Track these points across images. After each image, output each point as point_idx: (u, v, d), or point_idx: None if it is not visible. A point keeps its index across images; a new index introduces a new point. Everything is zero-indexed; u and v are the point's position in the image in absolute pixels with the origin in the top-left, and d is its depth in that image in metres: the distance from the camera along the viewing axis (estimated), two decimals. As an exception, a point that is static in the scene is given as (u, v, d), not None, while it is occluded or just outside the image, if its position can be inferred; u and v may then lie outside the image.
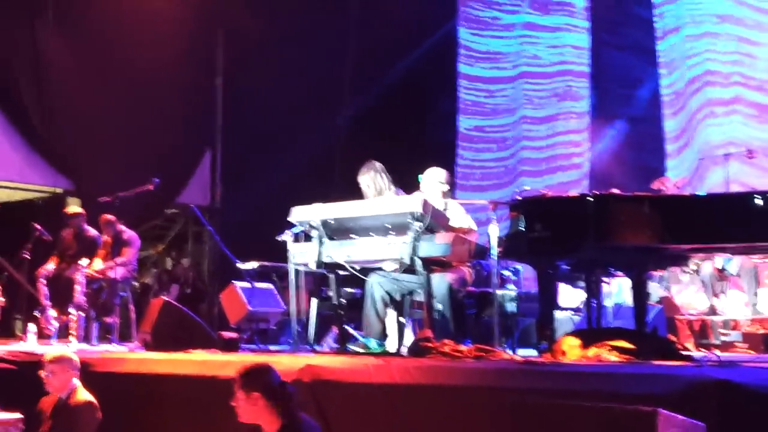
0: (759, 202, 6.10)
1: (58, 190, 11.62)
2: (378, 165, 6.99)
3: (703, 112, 11.67)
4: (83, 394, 5.63)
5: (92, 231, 9.39)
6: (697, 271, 8.86)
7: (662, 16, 12.33)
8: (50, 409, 5.63)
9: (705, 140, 11.43)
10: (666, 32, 12.27)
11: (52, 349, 6.39)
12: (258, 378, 4.32)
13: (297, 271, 6.68)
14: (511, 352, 6.47)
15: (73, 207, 10.04)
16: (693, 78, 11.86)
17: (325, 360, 5.67)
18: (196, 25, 12.32)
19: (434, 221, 6.11)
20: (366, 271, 6.66)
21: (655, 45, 12.31)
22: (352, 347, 6.60)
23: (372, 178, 6.93)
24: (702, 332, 8.49)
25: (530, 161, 13.21)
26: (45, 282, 8.99)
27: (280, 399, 4.25)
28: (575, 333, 6.14)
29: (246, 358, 6.25)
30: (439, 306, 6.43)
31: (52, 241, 9.39)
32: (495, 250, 6.35)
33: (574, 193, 7.98)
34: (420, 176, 6.92)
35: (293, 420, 4.26)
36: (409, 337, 6.83)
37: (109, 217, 8.90)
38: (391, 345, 6.60)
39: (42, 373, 5.64)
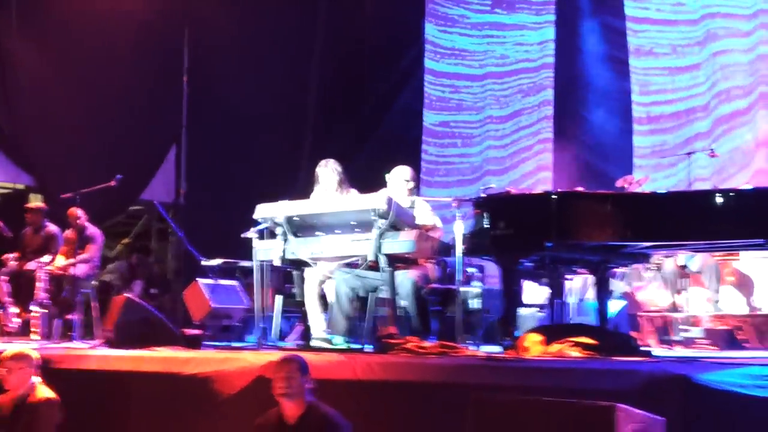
0: (720, 200, 6.17)
1: (20, 187, 11.46)
2: (337, 165, 7.07)
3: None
4: (43, 392, 5.55)
5: (52, 227, 9.31)
6: (659, 268, 8.94)
7: (636, 35, 12.32)
8: (9, 408, 5.54)
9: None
10: (641, 53, 12.25)
11: (10, 347, 6.31)
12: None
13: (262, 268, 6.67)
14: (475, 349, 6.49)
15: (34, 202, 9.95)
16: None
17: (289, 356, 5.66)
18: (161, 21, 12.20)
19: (398, 218, 6.12)
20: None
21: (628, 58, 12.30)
22: (315, 343, 6.60)
23: (330, 172, 7.02)
24: (664, 329, 8.56)
25: (495, 160, 13.24)
26: (6, 279, 8.91)
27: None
28: (538, 329, 6.18)
29: (209, 355, 6.22)
30: (403, 303, 6.45)
31: (13, 238, 9.29)
32: (459, 247, 6.38)
33: (537, 190, 8.01)
34: (387, 175, 6.94)
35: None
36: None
37: (77, 211, 8.85)
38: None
39: (0, 371, 5.58)
